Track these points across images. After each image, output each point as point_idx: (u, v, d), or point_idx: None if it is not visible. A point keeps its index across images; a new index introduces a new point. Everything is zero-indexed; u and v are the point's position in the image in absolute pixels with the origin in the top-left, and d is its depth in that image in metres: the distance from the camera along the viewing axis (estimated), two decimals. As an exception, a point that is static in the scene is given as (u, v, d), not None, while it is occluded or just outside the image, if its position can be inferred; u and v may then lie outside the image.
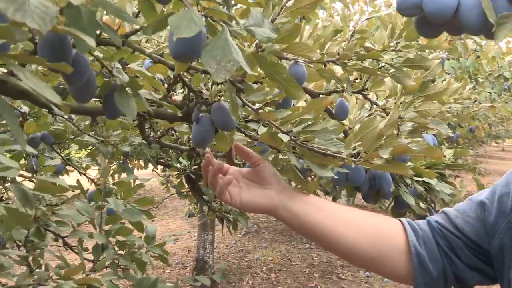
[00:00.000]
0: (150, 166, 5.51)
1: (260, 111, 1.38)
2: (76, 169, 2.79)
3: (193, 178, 3.60)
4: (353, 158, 1.33)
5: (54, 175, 3.00)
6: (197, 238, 7.08)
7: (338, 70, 1.79)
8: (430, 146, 1.31)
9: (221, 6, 1.16)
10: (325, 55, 1.67)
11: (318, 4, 1.32)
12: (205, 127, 1.45)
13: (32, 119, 2.44)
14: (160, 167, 5.68)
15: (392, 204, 2.48)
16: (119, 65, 1.19)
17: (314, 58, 1.37)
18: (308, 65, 1.70)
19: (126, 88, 1.16)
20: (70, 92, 1.17)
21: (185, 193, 6.18)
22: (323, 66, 1.69)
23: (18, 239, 1.96)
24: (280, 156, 1.66)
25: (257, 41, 1.44)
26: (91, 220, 2.09)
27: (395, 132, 1.96)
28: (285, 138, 1.31)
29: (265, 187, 1.27)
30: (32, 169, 2.56)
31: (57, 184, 1.46)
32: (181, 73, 1.60)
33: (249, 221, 3.57)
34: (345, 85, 1.76)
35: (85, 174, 2.73)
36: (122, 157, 5.30)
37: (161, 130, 2.67)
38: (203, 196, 3.44)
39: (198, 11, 1.05)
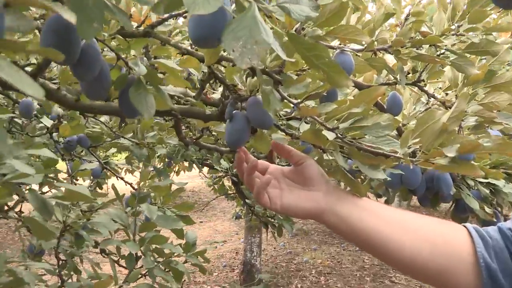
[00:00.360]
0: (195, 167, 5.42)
1: (302, 105, 1.20)
2: (113, 173, 2.69)
3: (236, 180, 3.46)
4: (410, 158, 1.13)
5: (94, 181, 2.91)
6: (244, 241, 6.95)
7: (390, 59, 1.59)
8: (505, 141, 1.09)
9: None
10: (375, 42, 1.48)
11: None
12: (240, 125, 1.28)
13: (65, 122, 2.34)
14: (206, 168, 5.58)
15: (453, 208, 2.24)
16: (143, 58, 1.04)
17: (363, 43, 1.18)
18: (356, 54, 1.52)
19: (144, 83, 1.01)
20: (81, 88, 1.03)
21: (232, 194, 6.05)
22: (373, 54, 1.49)
23: (47, 248, 1.86)
24: (326, 157, 1.48)
25: (297, 26, 1.27)
26: (124, 228, 1.97)
27: (456, 128, 1.74)
28: (331, 135, 1.13)
29: (309, 188, 1.12)
30: (68, 173, 2.48)
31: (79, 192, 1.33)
32: (214, 66, 1.44)
33: (296, 223, 3.40)
34: (398, 76, 1.56)
35: (122, 178, 2.62)
36: (166, 159, 5.24)
37: (200, 131, 2.53)
38: (246, 200, 3.28)
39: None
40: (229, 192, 5.92)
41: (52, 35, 0.90)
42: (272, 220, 3.14)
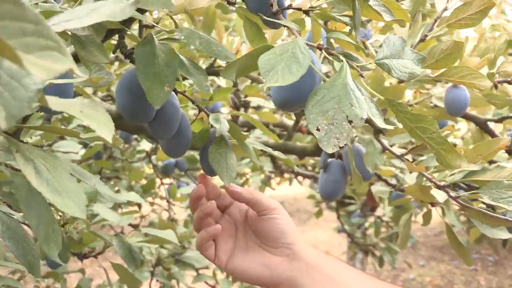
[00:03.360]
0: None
1: (407, 157, 1.05)
2: (209, 196, 2.65)
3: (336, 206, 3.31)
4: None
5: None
6: (346, 256, 6.71)
7: (513, 91, 1.38)
8: None
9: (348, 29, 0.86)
10: (496, 75, 1.27)
11: (489, 12, 0.96)
12: (335, 176, 1.15)
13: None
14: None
15: None
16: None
17: (482, 88, 1.00)
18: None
19: (226, 140, 0.91)
20: (160, 145, 0.95)
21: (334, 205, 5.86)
22: (493, 88, 1.29)
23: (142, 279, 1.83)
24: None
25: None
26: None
27: None
28: (441, 197, 0.96)
29: (270, 249, 0.88)
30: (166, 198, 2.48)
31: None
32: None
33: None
34: (523, 112, 1.34)
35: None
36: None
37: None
38: (344, 226, 3.13)
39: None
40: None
41: (126, 94, 0.83)
42: (373, 248, 2.95)
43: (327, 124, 0.59)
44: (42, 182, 0.50)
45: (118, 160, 2.46)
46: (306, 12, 0.87)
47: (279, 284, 0.85)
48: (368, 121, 1.06)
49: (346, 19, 0.85)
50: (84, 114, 0.45)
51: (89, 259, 1.42)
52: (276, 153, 1.03)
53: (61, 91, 0.84)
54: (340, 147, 0.57)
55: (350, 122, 0.59)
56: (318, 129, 0.58)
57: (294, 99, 0.71)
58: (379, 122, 0.66)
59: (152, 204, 2.76)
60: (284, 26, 0.73)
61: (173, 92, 0.89)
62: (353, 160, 1.09)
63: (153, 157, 2.55)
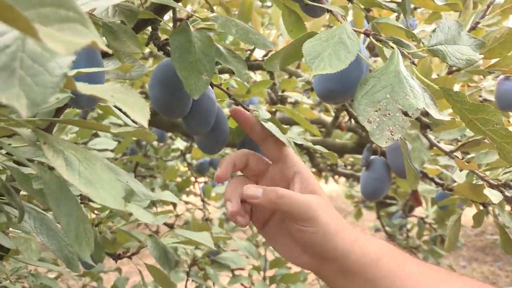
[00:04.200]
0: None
1: (456, 154, 0.98)
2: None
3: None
4: None
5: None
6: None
7: None
8: None
9: (395, 16, 0.81)
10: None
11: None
12: (378, 174, 1.09)
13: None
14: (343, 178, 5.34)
15: None
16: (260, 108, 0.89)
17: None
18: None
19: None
20: (195, 141, 0.91)
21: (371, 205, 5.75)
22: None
23: (176, 282, 1.81)
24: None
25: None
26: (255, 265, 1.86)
27: None
28: (496, 197, 0.89)
29: (302, 248, 0.73)
30: (201, 197, 2.45)
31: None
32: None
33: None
34: None
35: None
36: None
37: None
38: (385, 228, 3.04)
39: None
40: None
41: (159, 87, 0.78)
42: (416, 251, 2.86)
43: (379, 116, 0.53)
44: (74, 174, 0.46)
45: (152, 158, 2.45)
46: (349, -1, 0.81)
47: (319, 267, 0.73)
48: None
49: (393, 5, 0.79)
50: (116, 98, 0.41)
51: (127, 257, 1.40)
52: (318, 147, 0.98)
53: (93, 81, 0.81)
54: (394, 140, 0.52)
55: (405, 113, 0.53)
56: (369, 121, 0.53)
57: (339, 89, 0.66)
58: (434, 113, 0.60)
59: (187, 203, 2.74)
60: (328, 11, 0.67)
61: (209, 86, 0.85)
62: (397, 157, 1.03)
63: (188, 156, 2.52)
